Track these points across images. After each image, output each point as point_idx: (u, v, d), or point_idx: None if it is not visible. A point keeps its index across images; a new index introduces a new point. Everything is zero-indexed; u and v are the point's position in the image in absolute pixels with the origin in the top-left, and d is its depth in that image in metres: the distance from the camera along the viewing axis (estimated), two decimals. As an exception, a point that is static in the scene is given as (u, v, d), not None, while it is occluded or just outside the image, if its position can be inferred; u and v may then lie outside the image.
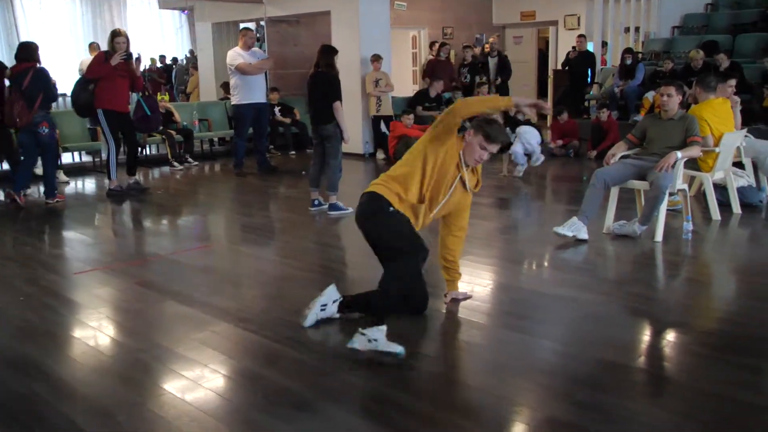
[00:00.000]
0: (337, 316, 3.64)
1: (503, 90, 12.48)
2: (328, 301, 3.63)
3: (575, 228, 5.29)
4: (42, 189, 7.60)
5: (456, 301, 3.89)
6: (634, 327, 3.71)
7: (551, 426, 2.61)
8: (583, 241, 5.25)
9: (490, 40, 12.96)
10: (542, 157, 8.50)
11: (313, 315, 3.59)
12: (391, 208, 3.56)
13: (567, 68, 12.01)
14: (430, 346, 3.39)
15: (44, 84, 7.09)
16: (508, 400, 2.83)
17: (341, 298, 3.65)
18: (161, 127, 9.48)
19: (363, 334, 3.14)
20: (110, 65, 7.27)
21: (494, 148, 3.65)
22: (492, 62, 12.18)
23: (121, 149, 7.93)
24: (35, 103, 6.94)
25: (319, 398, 2.84)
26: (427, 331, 3.51)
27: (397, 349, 3.09)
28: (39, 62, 7.18)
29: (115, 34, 7.46)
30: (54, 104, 11.25)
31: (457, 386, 2.91)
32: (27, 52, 7.11)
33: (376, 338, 3.12)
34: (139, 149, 9.30)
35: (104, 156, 8.70)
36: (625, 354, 3.25)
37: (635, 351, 3.37)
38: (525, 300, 4.05)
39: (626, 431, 2.54)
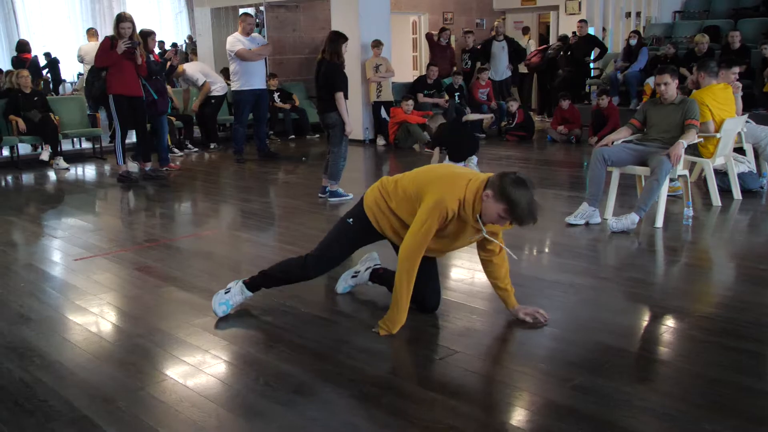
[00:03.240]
0: (369, 284, 3.86)
1: (515, 76, 12.39)
2: (362, 267, 3.81)
3: (586, 215, 5.31)
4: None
5: (527, 315, 3.44)
6: (632, 312, 3.72)
7: (550, 410, 2.63)
8: (585, 226, 5.26)
9: (495, 23, 12.84)
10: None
11: (342, 281, 3.84)
12: (350, 220, 3.50)
13: (569, 53, 11.92)
14: (429, 332, 3.39)
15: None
16: (507, 385, 2.84)
17: (377, 265, 3.83)
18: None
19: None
20: (116, 53, 7.24)
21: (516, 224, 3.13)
22: (497, 46, 12.01)
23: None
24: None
25: (318, 383, 2.85)
26: (426, 317, 3.52)
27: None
28: None
29: (120, 19, 7.34)
30: (52, 90, 11.24)
31: (457, 371, 2.92)
32: None
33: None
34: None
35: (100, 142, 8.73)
36: (623, 339, 3.27)
37: (633, 336, 3.38)
38: (524, 286, 4.06)
39: (624, 415, 2.56)
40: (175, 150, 9.80)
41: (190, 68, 10.26)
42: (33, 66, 11.97)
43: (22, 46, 11.75)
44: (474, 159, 8.05)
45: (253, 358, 3.16)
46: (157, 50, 9.86)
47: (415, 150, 9.87)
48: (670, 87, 5.36)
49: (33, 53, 12.78)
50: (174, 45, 11.43)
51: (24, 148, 9.51)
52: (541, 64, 12.69)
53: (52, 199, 7.42)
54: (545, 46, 13.25)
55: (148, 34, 8.10)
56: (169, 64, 8.73)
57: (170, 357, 3.17)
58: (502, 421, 2.58)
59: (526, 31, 14.66)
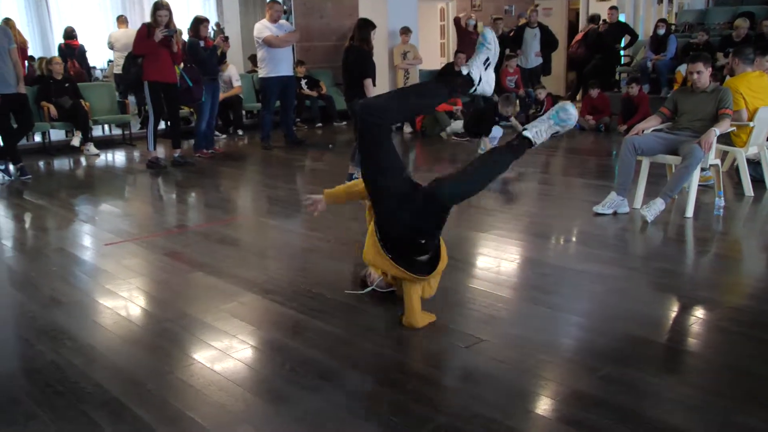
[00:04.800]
0: None
1: (546, 64, 12.18)
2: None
3: (614, 204, 5.26)
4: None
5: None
6: (661, 303, 3.68)
7: (576, 400, 2.61)
8: (613, 215, 5.21)
9: (528, 10, 12.66)
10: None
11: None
12: None
13: (599, 40, 11.73)
14: (454, 319, 3.39)
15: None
16: (533, 374, 2.83)
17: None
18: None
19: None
20: (153, 41, 7.31)
21: None
22: (530, 33, 11.85)
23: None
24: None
25: (344, 368, 2.86)
26: (451, 304, 3.52)
27: None
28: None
29: (158, 7, 7.42)
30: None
31: (482, 359, 2.91)
32: None
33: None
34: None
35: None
36: (651, 329, 3.23)
37: (662, 327, 3.35)
38: (551, 275, 4.03)
39: (652, 406, 2.53)
40: (217, 133, 9.93)
41: (231, 69, 10.37)
42: (81, 54, 12.09)
43: (69, 34, 11.87)
44: (487, 140, 8.11)
45: (280, 343, 3.18)
46: (211, 30, 10.01)
47: (442, 138, 9.83)
48: (703, 76, 5.27)
49: (60, 40, 12.88)
50: (222, 30, 11.39)
51: (55, 134, 9.65)
52: (586, 55, 12.39)
53: (82, 185, 7.52)
54: (583, 33, 12.97)
55: (201, 21, 8.20)
56: (220, 51, 8.77)
57: (198, 341, 3.20)
58: (527, 409, 2.57)
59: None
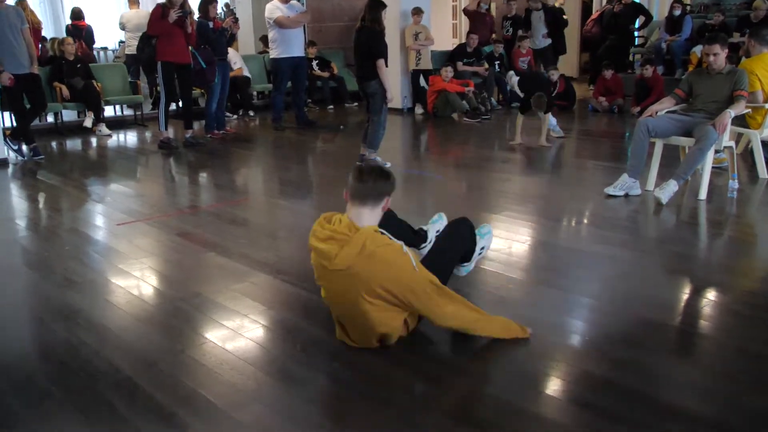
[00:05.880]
0: None
1: (558, 46, 11.98)
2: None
3: (626, 186, 5.23)
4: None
5: None
6: (673, 286, 3.67)
7: (587, 381, 2.61)
8: (626, 197, 5.18)
9: None
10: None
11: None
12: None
13: (613, 20, 11.58)
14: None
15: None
16: (543, 355, 2.83)
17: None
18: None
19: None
20: (167, 21, 7.32)
21: None
22: (535, 16, 11.74)
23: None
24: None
25: (355, 350, 2.87)
26: (462, 285, 3.52)
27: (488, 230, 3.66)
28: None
29: None
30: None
31: (492, 340, 2.91)
32: None
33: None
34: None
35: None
36: (663, 312, 3.22)
37: (674, 310, 3.34)
38: (563, 257, 4.02)
39: (662, 389, 2.53)
40: (228, 114, 9.93)
41: (230, 52, 10.35)
42: (88, 35, 12.07)
43: (77, 14, 11.85)
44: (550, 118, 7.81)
45: (291, 323, 3.20)
46: (221, 11, 9.98)
47: (454, 119, 9.78)
48: (719, 58, 5.20)
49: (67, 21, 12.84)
50: (232, 11, 11.31)
51: (68, 115, 9.68)
52: (600, 35, 12.22)
53: (95, 165, 7.55)
54: (598, 13, 12.78)
55: (209, 2, 8.17)
56: (229, 32, 8.75)
57: (210, 321, 3.22)
58: (538, 390, 2.57)
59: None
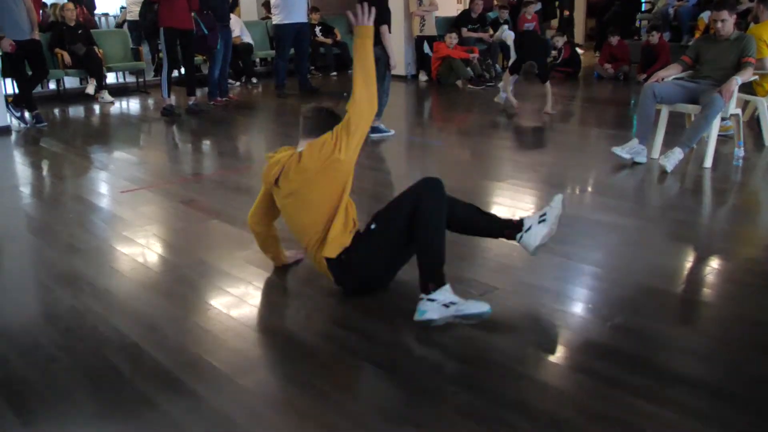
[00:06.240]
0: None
1: (569, 20, 11.83)
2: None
3: (634, 151, 5.19)
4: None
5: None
6: (676, 253, 3.67)
7: (590, 348, 2.63)
8: (631, 166, 5.15)
9: None
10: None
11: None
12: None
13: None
14: (468, 268, 3.40)
15: None
16: (546, 322, 2.85)
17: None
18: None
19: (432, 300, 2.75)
20: None
21: None
22: None
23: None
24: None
25: (359, 315, 2.89)
26: (465, 253, 3.52)
27: (483, 308, 2.73)
28: None
29: None
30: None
31: (495, 308, 2.92)
32: None
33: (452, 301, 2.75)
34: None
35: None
36: (666, 280, 3.23)
37: (676, 277, 3.34)
38: (566, 224, 3.99)
39: (663, 355, 2.54)
40: (231, 81, 9.86)
41: (232, 18, 10.25)
42: (89, 0, 11.96)
43: None
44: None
45: (295, 290, 3.21)
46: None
47: (458, 86, 9.71)
48: (727, 24, 5.14)
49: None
50: None
51: (70, 82, 9.63)
52: (606, 1, 12.06)
53: (97, 132, 7.53)
54: None
55: None
56: None
57: (214, 288, 3.24)
58: (540, 357, 2.59)
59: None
